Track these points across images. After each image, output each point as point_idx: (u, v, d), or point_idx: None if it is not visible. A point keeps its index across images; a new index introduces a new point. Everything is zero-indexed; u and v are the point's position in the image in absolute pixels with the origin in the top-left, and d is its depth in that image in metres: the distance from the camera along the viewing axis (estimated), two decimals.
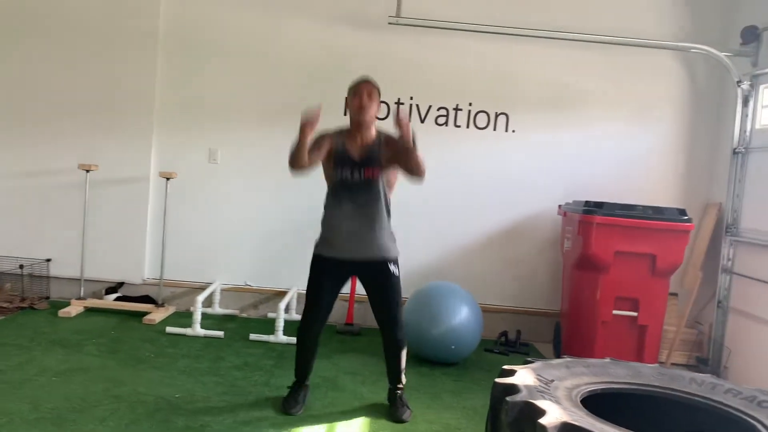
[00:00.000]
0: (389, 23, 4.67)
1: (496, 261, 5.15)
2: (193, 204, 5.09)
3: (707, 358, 4.76)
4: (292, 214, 5.10)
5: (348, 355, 4.26)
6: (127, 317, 4.73)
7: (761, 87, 4.53)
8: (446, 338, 4.13)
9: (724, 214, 4.75)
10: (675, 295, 4.89)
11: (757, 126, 4.55)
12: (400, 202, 4.95)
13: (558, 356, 4.74)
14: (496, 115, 5.08)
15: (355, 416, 3.27)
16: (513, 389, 2.45)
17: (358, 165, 3.17)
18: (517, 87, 5.06)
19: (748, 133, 4.59)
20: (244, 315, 5.13)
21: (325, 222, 3.29)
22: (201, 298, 4.50)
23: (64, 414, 2.95)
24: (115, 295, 5.00)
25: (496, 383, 2.58)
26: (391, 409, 3.32)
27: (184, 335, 4.39)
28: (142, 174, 5.03)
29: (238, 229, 5.13)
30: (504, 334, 4.88)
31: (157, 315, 4.72)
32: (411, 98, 5.05)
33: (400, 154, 3.10)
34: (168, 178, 4.81)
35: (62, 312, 4.64)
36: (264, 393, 3.45)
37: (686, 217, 4.25)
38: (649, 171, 5.16)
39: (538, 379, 2.64)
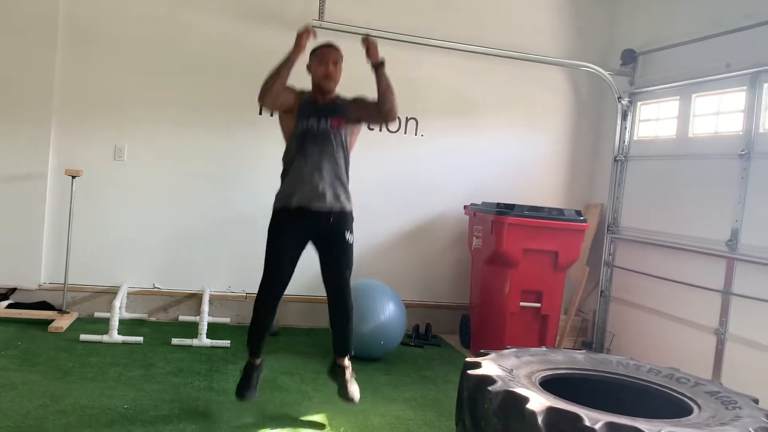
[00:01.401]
0: (312, 26, 4.71)
1: (406, 258, 5.40)
2: (96, 203, 4.80)
3: (591, 342, 5.37)
4: (204, 213, 5.02)
5: (276, 356, 4.27)
6: (26, 326, 4.37)
7: (638, 103, 5.18)
8: (376, 334, 4.31)
9: (605, 214, 5.37)
10: None
11: (635, 138, 5.20)
12: None
13: (466, 347, 5.10)
14: (407, 120, 5.33)
15: (311, 414, 3.35)
16: (489, 380, 2.69)
17: (325, 115, 3.19)
18: (426, 93, 5.33)
19: (627, 144, 5.23)
20: (153, 319, 4.94)
21: (288, 172, 3.24)
22: (117, 303, 4.28)
23: None
24: (6, 302, 4.59)
25: (469, 375, 2.81)
26: (341, 388, 3.25)
27: (100, 342, 4.16)
28: (38, 171, 4.66)
29: (145, 230, 4.92)
30: (416, 327, 5.16)
31: (63, 322, 4.41)
32: None
33: (368, 107, 3.25)
34: (74, 176, 4.51)
35: None
36: (213, 398, 3.41)
37: (582, 218, 4.77)
38: (538, 174, 5.69)
39: (502, 369, 2.91)
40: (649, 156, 5.02)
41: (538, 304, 4.74)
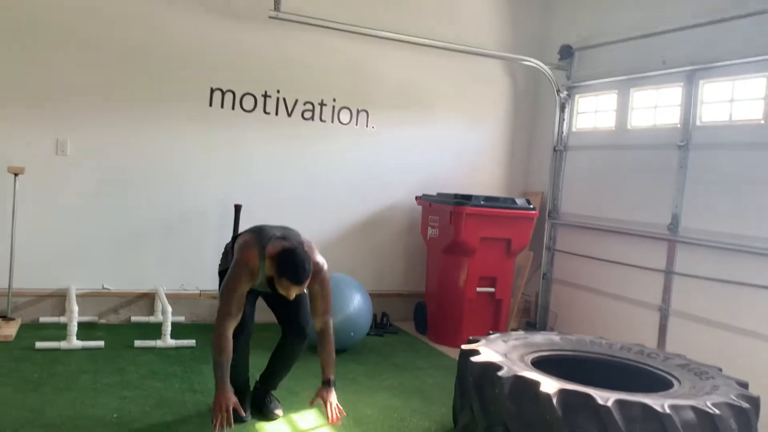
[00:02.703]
0: (270, 17, 4.64)
1: (360, 248, 5.47)
2: (38, 202, 4.50)
3: (535, 322, 5.67)
4: (154, 208, 4.85)
5: None
6: None
7: (577, 96, 5.49)
8: (346, 326, 4.36)
9: (546, 201, 5.67)
10: None
11: (574, 129, 5.51)
12: (273, 198, 5.15)
13: (423, 333, 5.25)
14: (358, 112, 5.37)
15: (302, 409, 3.37)
16: (494, 366, 2.83)
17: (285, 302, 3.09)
18: (376, 86, 5.39)
19: (565, 134, 5.54)
20: (104, 321, 4.73)
21: None
22: (75, 307, 4.06)
23: None
24: None
25: (473, 362, 2.94)
26: (265, 409, 3.27)
27: (58, 349, 3.94)
28: None
29: (92, 228, 4.68)
30: (374, 317, 5.24)
31: (10, 330, 4.14)
32: (278, 91, 5.09)
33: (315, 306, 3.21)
34: (16, 174, 4.22)
35: None
36: (200, 400, 3.35)
37: (531, 206, 5.03)
38: (479, 165, 5.92)
39: (499, 354, 3.06)
40: (588, 146, 5.35)
41: (493, 289, 4.97)
